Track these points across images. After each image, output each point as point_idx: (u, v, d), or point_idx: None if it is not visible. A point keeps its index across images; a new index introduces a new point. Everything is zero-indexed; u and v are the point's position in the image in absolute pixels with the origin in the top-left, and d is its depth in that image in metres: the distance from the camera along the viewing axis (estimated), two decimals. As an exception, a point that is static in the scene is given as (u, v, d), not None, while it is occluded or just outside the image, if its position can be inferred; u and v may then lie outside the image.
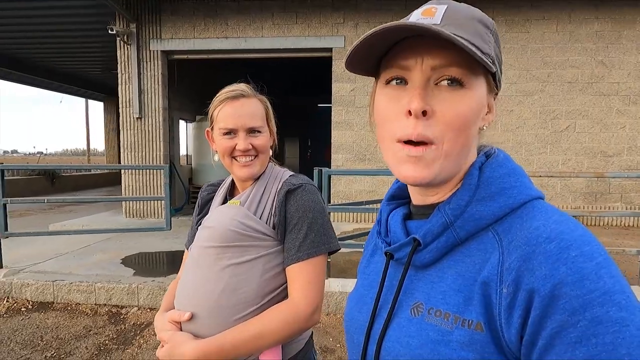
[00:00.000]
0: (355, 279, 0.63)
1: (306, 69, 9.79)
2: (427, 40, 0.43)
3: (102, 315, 3.06)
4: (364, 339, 0.50)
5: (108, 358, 2.44)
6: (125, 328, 2.86)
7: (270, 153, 0.99)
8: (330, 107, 6.07)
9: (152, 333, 2.74)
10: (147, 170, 6.29)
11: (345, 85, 5.94)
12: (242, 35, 5.94)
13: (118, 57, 6.12)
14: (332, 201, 5.81)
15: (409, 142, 0.44)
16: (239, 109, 0.91)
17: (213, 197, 1.04)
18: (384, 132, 0.47)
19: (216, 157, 0.97)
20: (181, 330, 0.87)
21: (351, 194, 6.08)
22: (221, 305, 0.85)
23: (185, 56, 6.28)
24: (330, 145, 6.10)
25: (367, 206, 4.43)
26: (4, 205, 3.41)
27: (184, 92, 7.89)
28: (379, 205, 0.63)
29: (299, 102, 13.13)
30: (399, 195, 0.57)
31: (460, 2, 0.46)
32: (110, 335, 2.75)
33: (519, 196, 0.44)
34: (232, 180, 1.02)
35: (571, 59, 5.75)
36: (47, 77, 10.38)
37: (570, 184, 5.92)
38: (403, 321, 0.47)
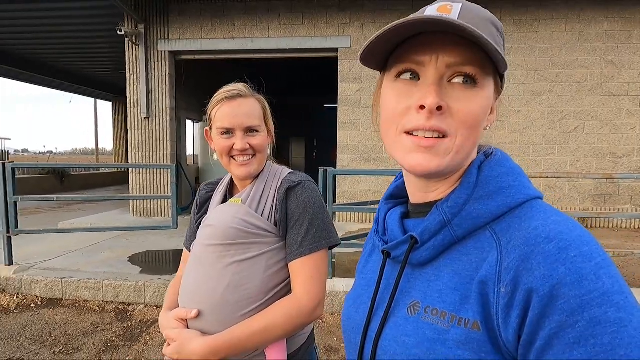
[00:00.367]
0: None
1: (312, 69, 9.80)
2: (442, 37, 0.42)
3: (110, 312, 3.10)
4: (361, 338, 0.50)
5: (115, 354, 2.48)
6: (131, 325, 2.90)
7: (269, 152, 1.00)
8: (336, 107, 6.07)
9: (158, 330, 2.76)
10: (155, 170, 6.35)
11: (351, 86, 5.94)
12: (248, 36, 5.96)
13: (126, 58, 6.19)
14: (337, 201, 5.81)
15: (417, 135, 0.44)
16: (237, 109, 0.92)
17: (212, 196, 1.05)
18: (391, 125, 0.46)
19: (215, 156, 0.98)
20: (187, 327, 0.88)
21: (356, 194, 6.07)
22: (226, 302, 0.86)
23: (192, 56, 6.33)
24: (336, 145, 6.10)
25: (372, 206, 4.41)
26: (15, 203, 3.46)
27: (190, 92, 7.95)
28: (384, 206, 0.63)
29: (304, 102, 13.15)
30: (397, 195, 0.57)
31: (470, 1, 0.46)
32: (117, 332, 2.79)
33: (517, 196, 0.44)
34: (231, 179, 1.03)
35: (580, 58, 5.67)
36: (58, 77, 10.53)
37: (578, 185, 5.85)
38: (400, 320, 0.46)
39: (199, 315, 0.87)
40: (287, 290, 0.91)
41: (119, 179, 13.80)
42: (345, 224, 5.93)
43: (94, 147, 18.88)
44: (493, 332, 0.39)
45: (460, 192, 0.46)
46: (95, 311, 3.12)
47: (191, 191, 7.93)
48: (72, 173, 12.58)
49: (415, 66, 0.44)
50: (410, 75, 0.45)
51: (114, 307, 3.19)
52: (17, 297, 3.31)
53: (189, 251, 1.04)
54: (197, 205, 1.07)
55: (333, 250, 1.18)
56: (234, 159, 0.94)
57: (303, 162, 14.36)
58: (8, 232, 3.47)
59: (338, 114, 6.04)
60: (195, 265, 0.93)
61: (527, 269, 0.37)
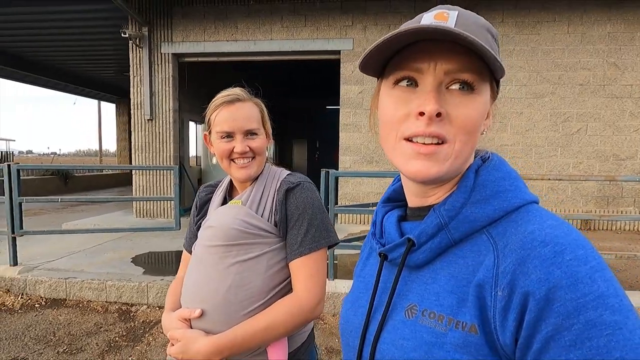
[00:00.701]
0: None
1: (314, 71, 9.82)
2: (440, 44, 0.43)
3: (113, 313, 3.12)
4: (359, 341, 0.50)
5: (118, 354, 2.49)
6: (134, 325, 2.91)
7: (267, 154, 1.01)
8: (338, 109, 6.09)
9: (161, 331, 2.78)
10: (158, 171, 6.38)
11: (354, 88, 5.95)
12: (251, 38, 5.99)
13: (130, 60, 6.23)
14: (339, 203, 5.81)
15: (416, 141, 0.44)
16: (235, 113, 0.94)
17: (211, 197, 1.06)
18: (390, 131, 0.47)
19: (214, 160, 0.99)
20: (191, 327, 0.90)
21: (358, 196, 6.07)
22: (229, 301, 0.88)
23: (195, 59, 6.36)
24: (339, 147, 6.11)
25: (374, 208, 4.42)
26: (20, 204, 3.49)
27: (193, 94, 7.98)
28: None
29: (306, 104, 13.17)
30: (395, 198, 0.58)
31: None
32: (120, 332, 2.80)
33: (513, 200, 0.45)
34: (230, 181, 1.04)
35: (583, 60, 5.66)
36: (63, 79, 10.61)
37: (581, 188, 5.83)
38: (397, 323, 0.46)
39: (202, 315, 0.88)
40: (288, 289, 0.93)
41: (123, 180, 13.86)
42: (347, 226, 5.93)
43: (98, 149, 18.98)
44: (490, 335, 0.39)
45: (457, 196, 0.46)
46: (98, 311, 3.14)
47: (194, 192, 7.95)
48: (76, 174, 12.65)
49: (414, 73, 0.45)
50: (407, 82, 0.45)
51: (117, 307, 3.21)
52: (21, 298, 3.34)
53: (189, 253, 1.05)
54: (196, 207, 1.08)
55: (335, 251, 1.19)
56: (234, 162, 0.95)
57: (305, 164, 14.36)
58: (13, 232, 3.50)
59: (340, 115, 6.05)
60: (197, 266, 0.95)
61: (523, 273, 0.38)
